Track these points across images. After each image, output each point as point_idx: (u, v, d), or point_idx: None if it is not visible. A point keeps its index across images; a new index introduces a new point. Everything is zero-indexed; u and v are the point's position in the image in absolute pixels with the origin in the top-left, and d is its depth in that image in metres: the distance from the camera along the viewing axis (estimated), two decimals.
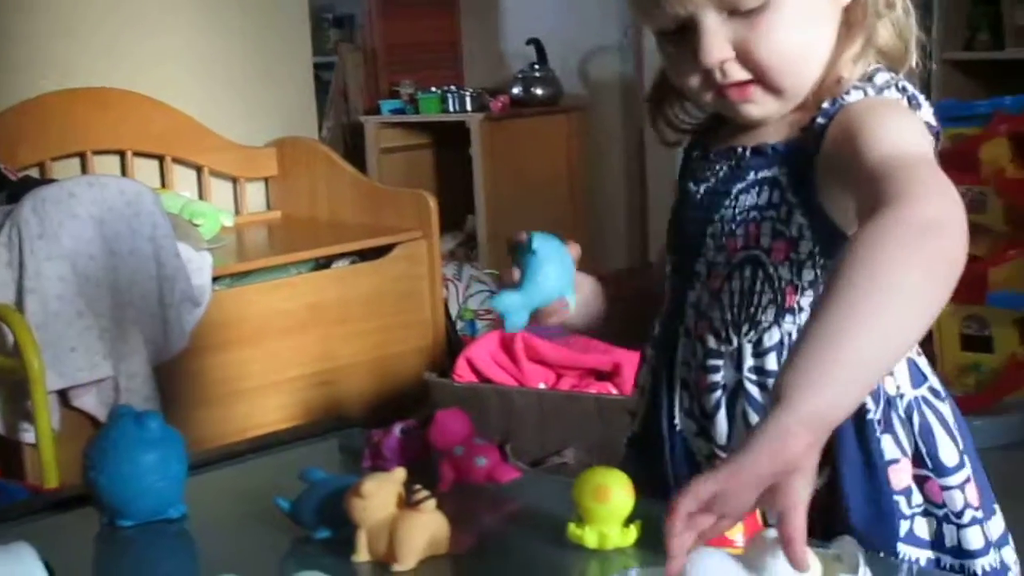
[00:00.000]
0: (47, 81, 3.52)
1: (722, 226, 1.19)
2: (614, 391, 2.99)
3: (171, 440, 1.23)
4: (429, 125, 5.21)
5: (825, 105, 1.13)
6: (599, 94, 5.14)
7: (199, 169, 3.82)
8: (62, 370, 2.76)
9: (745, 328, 1.16)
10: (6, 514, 1.34)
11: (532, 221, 4.82)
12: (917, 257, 0.93)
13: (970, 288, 3.49)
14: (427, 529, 1.08)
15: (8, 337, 2.68)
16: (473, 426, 1.29)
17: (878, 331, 0.91)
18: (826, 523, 1.06)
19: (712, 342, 1.18)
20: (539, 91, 5.04)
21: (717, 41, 1.12)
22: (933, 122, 1.15)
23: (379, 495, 1.09)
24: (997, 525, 1.18)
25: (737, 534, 0.99)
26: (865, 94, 1.13)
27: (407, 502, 1.09)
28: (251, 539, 1.21)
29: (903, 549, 1.13)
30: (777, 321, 1.15)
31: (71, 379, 2.79)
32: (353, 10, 5.86)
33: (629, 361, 2.89)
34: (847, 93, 1.13)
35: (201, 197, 3.80)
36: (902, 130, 1.07)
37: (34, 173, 3.41)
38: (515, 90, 5.05)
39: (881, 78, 1.15)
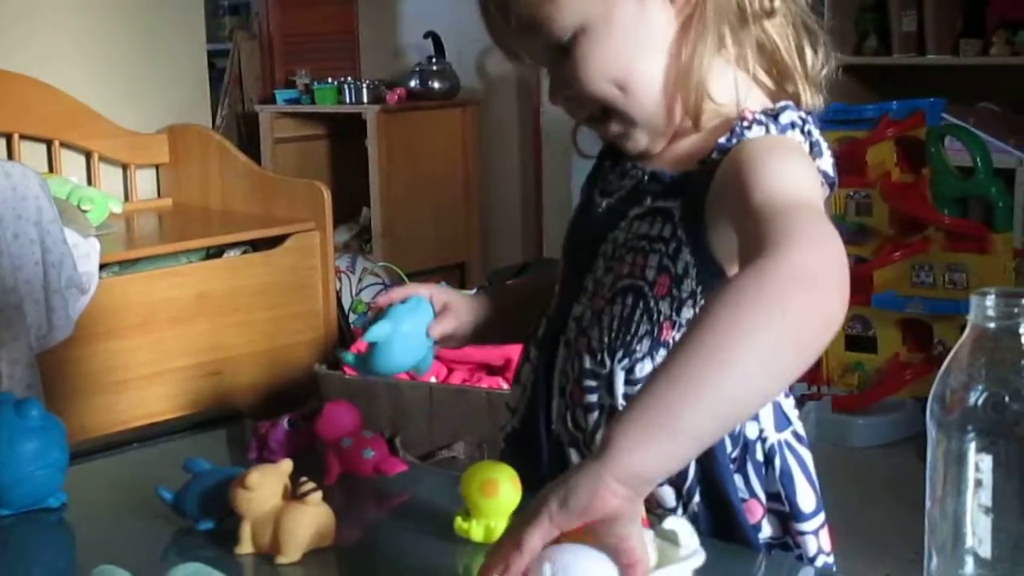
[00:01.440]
0: None
1: (613, 248, 1.18)
2: (505, 386, 3.00)
3: (52, 428, 1.21)
4: (325, 116, 5.17)
5: (722, 140, 1.09)
6: (496, 89, 5.14)
7: (88, 154, 3.75)
8: None
9: (619, 354, 1.14)
10: None
11: (427, 214, 4.86)
12: (780, 319, 0.89)
13: (855, 289, 3.51)
14: (312, 521, 1.07)
15: None
16: (362, 418, 1.29)
17: (717, 404, 0.89)
18: None
19: (588, 361, 1.17)
20: (436, 84, 5.03)
21: (553, 81, 1.16)
22: (831, 172, 1.13)
23: (264, 486, 1.08)
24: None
25: None
26: (767, 131, 1.09)
27: (293, 494, 1.08)
28: (132, 530, 1.19)
29: None
30: (651, 353, 1.13)
31: None
32: None
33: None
34: (748, 128, 1.09)
35: (90, 183, 3.73)
36: (791, 173, 1.03)
37: None
38: (412, 83, 5.03)
39: (787, 117, 1.11)
